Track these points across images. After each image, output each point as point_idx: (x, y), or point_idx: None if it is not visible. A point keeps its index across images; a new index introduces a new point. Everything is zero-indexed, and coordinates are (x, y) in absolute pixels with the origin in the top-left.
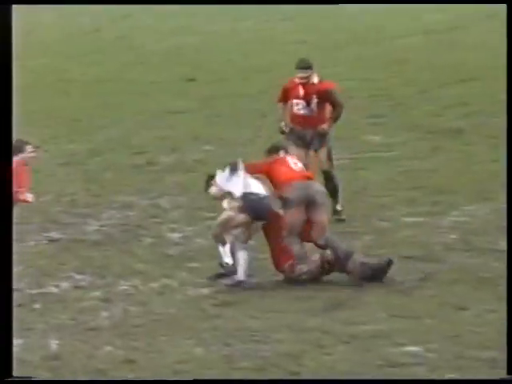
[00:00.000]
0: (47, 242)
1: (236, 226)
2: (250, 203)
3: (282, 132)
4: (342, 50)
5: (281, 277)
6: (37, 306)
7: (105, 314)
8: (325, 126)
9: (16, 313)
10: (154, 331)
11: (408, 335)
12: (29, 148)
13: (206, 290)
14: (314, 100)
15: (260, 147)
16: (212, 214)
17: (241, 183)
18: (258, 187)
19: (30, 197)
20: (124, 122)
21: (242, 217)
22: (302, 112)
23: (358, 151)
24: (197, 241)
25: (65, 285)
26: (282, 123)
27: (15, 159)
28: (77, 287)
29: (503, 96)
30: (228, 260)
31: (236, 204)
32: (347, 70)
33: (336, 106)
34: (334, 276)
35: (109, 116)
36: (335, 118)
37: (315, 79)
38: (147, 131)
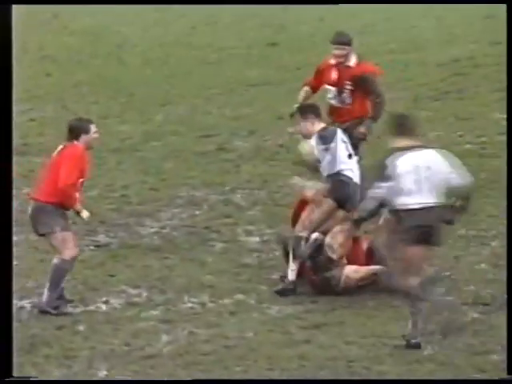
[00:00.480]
0: (94, 247)
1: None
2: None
3: (291, 115)
4: None
5: (381, 291)
6: (81, 327)
7: (165, 338)
8: (362, 129)
9: (56, 335)
10: (226, 360)
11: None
12: (93, 128)
13: (290, 309)
14: (348, 87)
15: None
16: None
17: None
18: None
19: (86, 215)
20: (189, 98)
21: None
22: (332, 102)
23: (484, 133)
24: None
25: (116, 301)
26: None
27: (80, 142)
28: (130, 304)
29: None
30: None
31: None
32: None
33: (374, 99)
34: (455, 294)
35: (170, 90)
36: (374, 116)
37: (352, 60)
38: (218, 109)
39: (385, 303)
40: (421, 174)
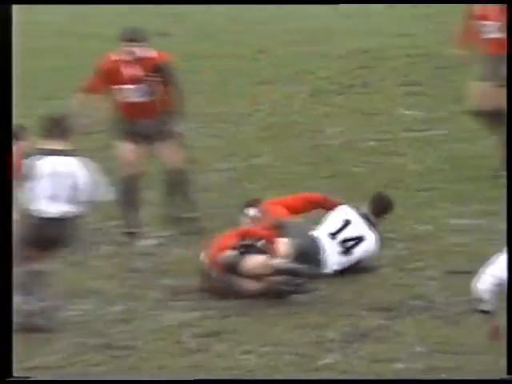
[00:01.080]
0: None
1: None
2: None
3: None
4: None
5: (290, 297)
6: None
7: (49, 348)
8: (177, 129)
9: None
10: (115, 370)
11: (455, 375)
12: None
13: (184, 316)
14: (148, 80)
15: (259, 121)
16: (193, 214)
17: None
18: None
19: None
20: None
21: None
22: (132, 100)
23: (388, 130)
24: (175, 250)
25: None
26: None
27: None
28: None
29: None
30: None
31: None
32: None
33: (174, 85)
34: (358, 299)
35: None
36: (179, 111)
37: (149, 52)
38: None
39: (285, 310)
40: (59, 181)
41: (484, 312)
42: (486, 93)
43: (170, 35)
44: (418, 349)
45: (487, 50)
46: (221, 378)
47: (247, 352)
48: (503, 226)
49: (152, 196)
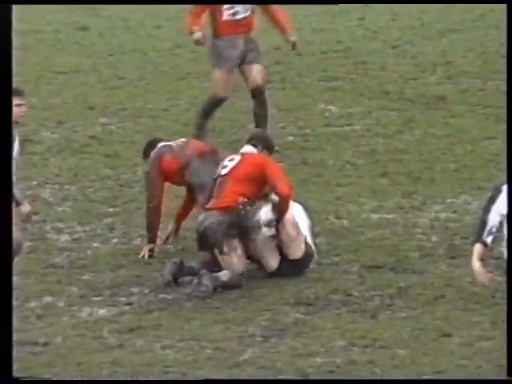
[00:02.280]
0: None
1: None
2: None
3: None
4: None
5: (205, 291)
6: None
7: None
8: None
9: None
10: (32, 367)
11: (374, 369)
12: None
13: (103, 312)
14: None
15: (178, 116)
16: (112, 209)
17: None
18: None
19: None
20: None
21: None
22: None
23: (308, 125)
24: (93, 245)
25: None
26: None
27: None
28: None
29: (499, 53)
30: None
31: None
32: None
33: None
34: (277, 294)
35: None
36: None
37: None
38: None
39: (203, 305)
40: None
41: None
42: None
43: (89, 29)
44: (337, 343)
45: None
46: (221, 377)
47: (166, 347)
48: (421, 220)
49: (73, 191)
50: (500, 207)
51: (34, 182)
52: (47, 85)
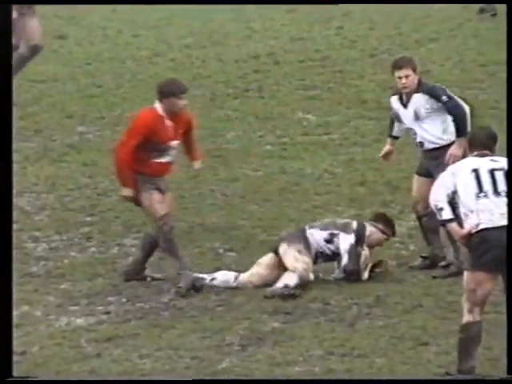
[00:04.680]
0: None
1: None
2: None
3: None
4: None
5: (182, 301)
6: None
7: None
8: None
9: None
10: (10, 376)
11: (352, 378)
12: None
13: (80, 321)
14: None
15: None
16: (90, 218)
17: None
18: None
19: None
20: None
21: None
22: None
23: (286, 134)
24: (70, 254)
25: None
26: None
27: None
28: None
29: (476, 62)
30: None
31: None
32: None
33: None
34: (255, 303)
35: None
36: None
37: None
38: None
39: (181, 314)
40: None
41: (447, 221)
42: None
43: (67, 38)
44: (315, 352)
45: None
46: (221, 378)
47: (143, 356)
48: (398, 229)
49: (50, 200)
50: (442, 183)
51: (12, 191)
52: (25, 93)
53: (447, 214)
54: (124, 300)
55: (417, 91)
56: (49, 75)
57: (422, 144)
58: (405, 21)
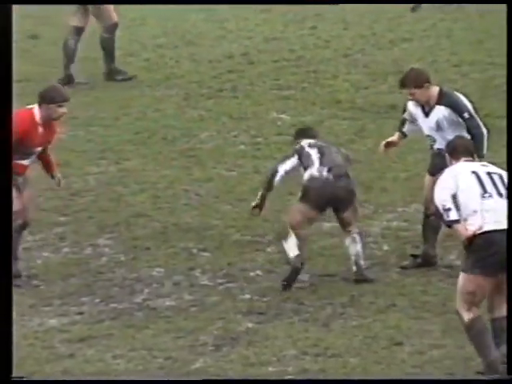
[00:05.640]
0: None
1: None
2: None
3: None
4: None
5: (155, 301)
6: None
7: None
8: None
9: None
10: None
11: (326, 378)
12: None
13: (53, 321)
14: None
15: (129, 125)
16: (63, 218)
17: None
18: None
19: None
20: None
21: None
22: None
23: (260, 134)
24: (43, 254)
25: None
26: None
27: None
28: None
29: (449, 62)
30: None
31: None
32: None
33: None
34: (229, 303)
35: None
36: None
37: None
38: None
39: (155, 314)
40: None
41: (454, 222)
42: None
43: (40, 38)
44: (289, 352)
45: None
46: (221, 378)
47: (117, 357)
48: (372, 229)
49: None
50: (445, 185)
51: None
52: None
53: (454, 214)
54: (97, 300)
55: (439, 103)
56: (22, 75)
57: (440, 150)
58: (378, 21)
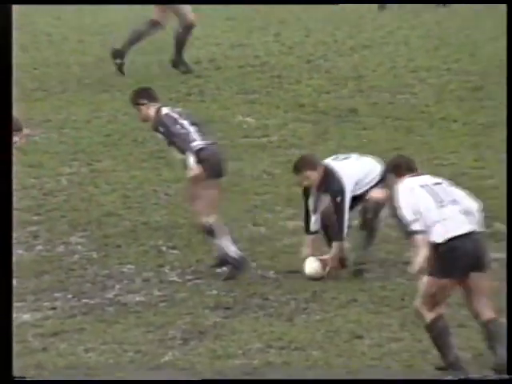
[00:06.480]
0: None
1: None
2: None
3: None
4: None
5: (126, 297)
6: None
7: None
8: None
9: None
10: None
11: (289, 371)
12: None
13: (27, 316)
14: None
15: (100, 128)
16: (36, 217)
17: None
18: None
19: None
20: None
21: None
22: None
23: (227, 137)
24: (17, 252)
25: None
26: None
27: None
28: None
29: (407, 68)
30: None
31: None
32: (213, 33)
33: None
34: (197, 298)
35: None
36: None
37: None
38: None
39: (125, 309)
40: None
41: (420, 232)
42: None
43: (14, 44)
44: (254, 345)
45: None
46: (222, 377)
47: (89, 350)
48: None
49: None
50: (404, 202)
51: None
52: None
53: (419, 225)
54: (70, 296)
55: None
56: None
57: None
58: (339, 28)
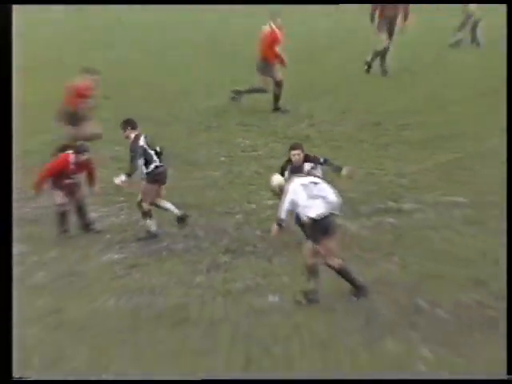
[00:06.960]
0: None
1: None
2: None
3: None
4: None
5: (170, 244)
6: None
7: None
8: None
9: None
10: (78, 289)
11: (270, 289)
12: None
13: (116, 256)
14: None
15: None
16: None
17: None
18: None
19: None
20: None
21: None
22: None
23: (232, 151)
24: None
25: None
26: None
27: None
28: None
29: (343, 108)
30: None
31: None
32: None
33: None
34: (212, 244)
35: None
36: None
37: None
38: None
39: (175, 253)
40: None
41: (279, 220)
42: None
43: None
44: (248, 275)
45: None
46: (222, 377)
47: (151, 277)
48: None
49: None
50: (289, 195)
51: None
52: None
53: (283, 214)
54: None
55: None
56: None
57: None
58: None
